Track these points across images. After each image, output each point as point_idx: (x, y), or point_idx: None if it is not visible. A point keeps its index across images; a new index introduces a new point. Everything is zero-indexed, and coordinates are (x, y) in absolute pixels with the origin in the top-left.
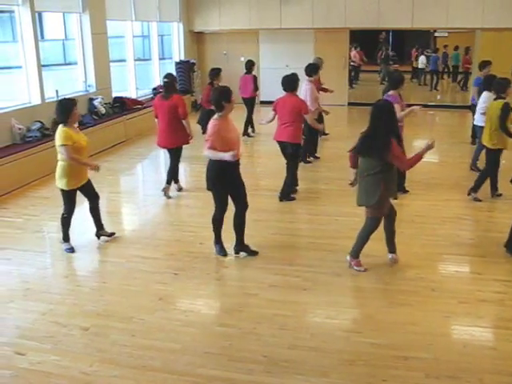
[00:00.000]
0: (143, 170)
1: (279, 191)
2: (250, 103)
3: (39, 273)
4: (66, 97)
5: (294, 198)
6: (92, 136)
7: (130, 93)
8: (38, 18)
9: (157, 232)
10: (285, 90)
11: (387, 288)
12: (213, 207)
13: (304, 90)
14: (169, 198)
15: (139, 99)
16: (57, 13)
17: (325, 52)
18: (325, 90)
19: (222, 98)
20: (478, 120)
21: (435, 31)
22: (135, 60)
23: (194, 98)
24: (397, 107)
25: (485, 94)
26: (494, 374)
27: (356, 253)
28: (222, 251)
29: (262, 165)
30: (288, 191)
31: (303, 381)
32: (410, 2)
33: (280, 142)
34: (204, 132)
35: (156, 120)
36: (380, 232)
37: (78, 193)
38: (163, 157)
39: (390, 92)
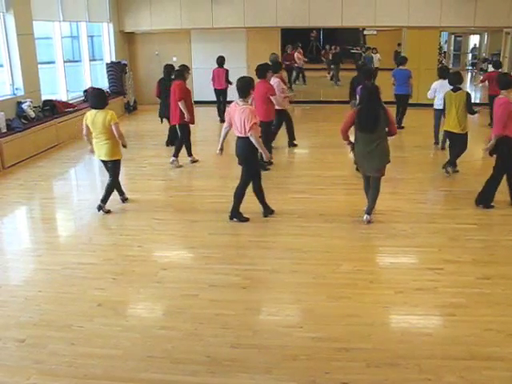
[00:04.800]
0: (76, 175)
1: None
2: (223, 94)
3: None
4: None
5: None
6: (22, 141)
7: (61, 95)
8: None
9: (93, 237)
10: (258, 77)
11: (326, 282)
12: (147, 211)
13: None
14: (180, 166)
15: (70, 102)
16: None
17: (257, 51)
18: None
19: (250, 86)
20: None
21: (364, 29)
22: (65, 62)
23: (126, 99)
24: None
25: (440, 81)
26: (431, 359)
27: (372, 210)
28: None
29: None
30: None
31: (247, 379)
32: (340, 1)
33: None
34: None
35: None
36: (315, 228)
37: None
38: (96, 160)
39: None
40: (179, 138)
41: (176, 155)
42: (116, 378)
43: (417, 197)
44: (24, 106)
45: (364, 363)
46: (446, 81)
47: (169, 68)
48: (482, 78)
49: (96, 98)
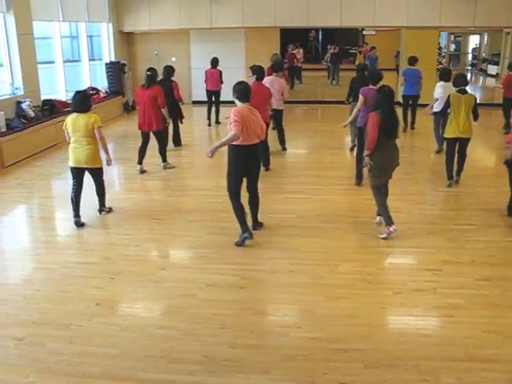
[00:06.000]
0: None
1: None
2: (217, 95)
3: None
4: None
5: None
6: (21, 140)
7: (60, 95)
8: None
9: (91, 236)
10: (257, 79)
11: (324, 282)
12: (145, 211)
13: (278, 84)
14: (142, 172)
15: (69, 101)
16: None
17: (256, 51)
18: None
19: (251, 91)
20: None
21: (363, 29)
22: (64, 61)
23: (125, 99)
24: None
25: (442, 84)
26: (429, 360)
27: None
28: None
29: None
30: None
31: (244, 379)
32: (338, 1)
33: None
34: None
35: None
36: (313, 228)
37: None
38: None
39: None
40: (160, 143)
41: (165, 159)
42: (114, 377)
43: (415, 197)
44: (23, 106)
45: (362, 364)
46: (449, 83)
47: (169, 69)
48: (501, 82)
49: (79, 101)
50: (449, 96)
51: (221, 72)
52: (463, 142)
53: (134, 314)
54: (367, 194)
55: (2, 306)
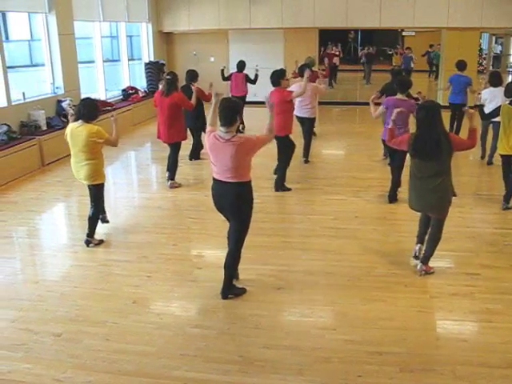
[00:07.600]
0: (113, 173)
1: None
2: (242, 101)
3: (8, 279)
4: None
5: (289, 189)
6: (61, 139)
7: (99, 94)
8: (1, 18)
9: (128, 235)
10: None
11: (360, 285)
12: (182, 210)
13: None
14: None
15: (108, 101)
16: (21, 13)
17: (294, 52)
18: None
19: (237, 111)
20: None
21: (403, 30)
22: (104, 61)
23: None
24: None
25: (491, 90)
26: (466, 366)
27: (429, 258)
28: None
29: None
30: (281, 182)
31: (279, 379)
32: (378, 2)
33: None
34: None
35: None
36: (350, 230)
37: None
38: (134, 158)
39: (399, 95)
40: (175, 157)
41: (173, 176)
42: (149, 375)
43: (455, 200)
44: (64, 105)
45: (397, 367)
46: (498, 89)
47: (192, 74)
48: None
49: (85, 108)
50: (499, 107)
51: (247, 75)
52: None
53: (169, 312)
54: (402, 197)
55: (40, 302)
